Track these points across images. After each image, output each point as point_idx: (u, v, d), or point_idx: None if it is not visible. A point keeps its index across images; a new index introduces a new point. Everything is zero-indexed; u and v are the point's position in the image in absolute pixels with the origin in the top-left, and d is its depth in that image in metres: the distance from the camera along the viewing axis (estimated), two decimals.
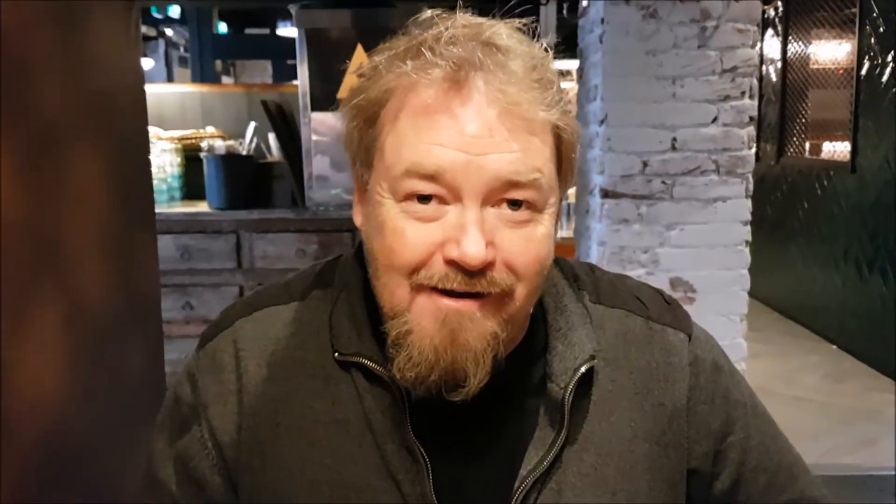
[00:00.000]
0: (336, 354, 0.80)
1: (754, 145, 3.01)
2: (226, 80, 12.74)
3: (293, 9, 3.82)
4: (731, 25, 2.90)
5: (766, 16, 5.73)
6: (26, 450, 1.26)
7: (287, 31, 10.17)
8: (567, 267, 0.89)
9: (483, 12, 0.76)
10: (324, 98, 3.76)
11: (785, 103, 5.72)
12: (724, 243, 3.00)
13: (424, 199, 0.71)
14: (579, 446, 0.79)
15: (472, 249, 0.69)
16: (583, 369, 0.79)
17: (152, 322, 1.83)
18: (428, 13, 0.75)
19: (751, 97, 2.95)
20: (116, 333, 1.61)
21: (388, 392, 0.78)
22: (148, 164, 1.84)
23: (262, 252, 3.77)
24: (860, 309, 4.64)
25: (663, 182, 2.95)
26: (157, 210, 1.95)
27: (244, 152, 4.03)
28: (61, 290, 1.39)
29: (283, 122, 3.96)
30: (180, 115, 4.58)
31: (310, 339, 0.82)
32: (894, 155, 4.23)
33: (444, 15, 0.75)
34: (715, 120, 2.94)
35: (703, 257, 2.99)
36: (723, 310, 3.02)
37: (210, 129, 4.41)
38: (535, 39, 0.76)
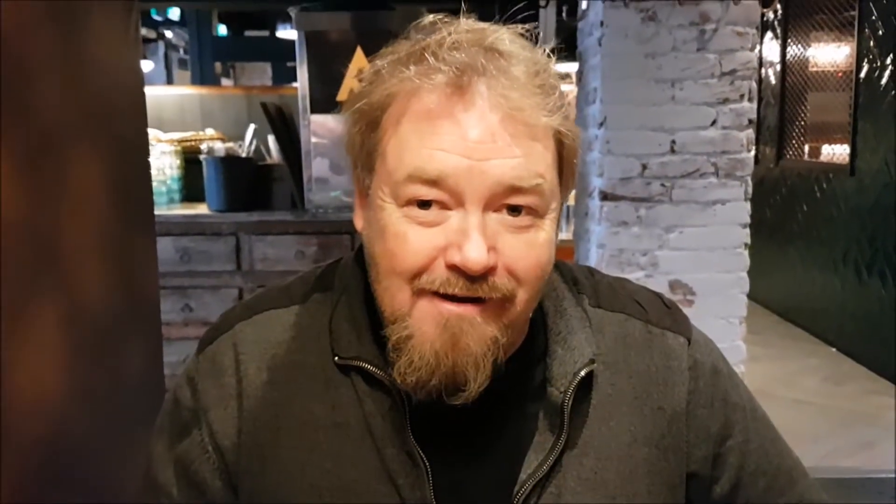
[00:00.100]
0: (336, 358, 0.80)
1: (753, 148, 3.01)
2: (225, 82, 12.74)
3: (293, 11, 3.82)
4: (730, 28, 2.90)
5: (765, 19, 5.74)
6: (26, 450, 1.26)
7: (287, 33, 10.18)
8: (566, 270, 0.89)
9: (483, 16, 0.77)
10: (323, 100, 3.76)
11: (784, 106, 5.73)
12: (723, 246, 3.00)
13: (425, 204, 0.71)
14: (579, 450, 0.79)
15: (474, 254, 0.69)
16: (582, 373, 0.79)
17: (152, 323, 1.83)
18: (430, 18, 0.76)
19: (750, 100, 2.95)
20: (116, 334, 1.61)
21: (389, 396, 0.78)
22: (147, 165, 1.84)
23: (262, 254, 3.77)
24: (859, 312, 4.64)
25: (662, 185, 2.96)
26: (156, 212, 1.95)
27: (244, 154, 4.03)
28: (61, 290, 1.39)
29: (283, 125, 3.96)
30: (180, 117, 4.58)
31: (310, 343, 0.82)
32: (893, 158, 4.23)
33: (447, 20, 0.75)
34: (714, 123, 2.94)
35: (703, 260, 2.99)
36: (722, 312, 3.02)
37: (209, 132, 4.41)
38: (538, 45, 0.76)
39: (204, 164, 3.92)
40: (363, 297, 0.82)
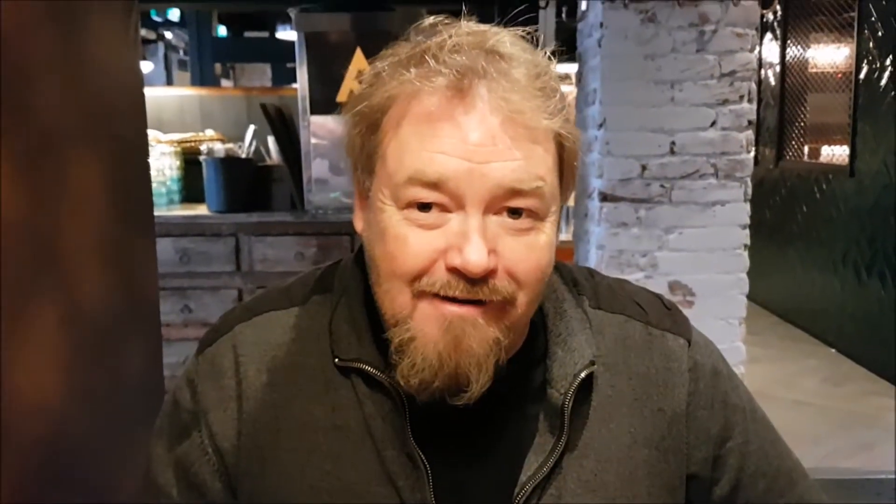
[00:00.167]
0: (336, 360, 0.80)
1: (753, 149, 3.02)
2: (225, 83, 12.75)
3: (293, 12, 3.82)
4: (729, 29, 2.90)
5: (764, 20, 5.74)
6: (26, 450, 1.26)
7: (286, 34, 10.18)
8: (566, 272, 0.89)
9: (483, 17, 0.76)
10: (323, 101, 3.76)
11: (783, 107, 5.73)
12: (722, 247, 3.01)
13: (426, 206, 0.71)
14: (579, 452, 0.79)
15: (475, 257, 0.69)
16: (582, 375, 0.79)
17: (151, 324, 1.83)
18: (430, 20, 0.76)
19: (749, 101, 2.95)
20: (115, 335, 1.61)
21: (389, 398, 0.78)
22: (147, 166, 1.84)
23: (261, 255, 3.77)
24: (859, 312, 4.64)
25: (662, 186, 2.96)
26: (156, 213, 1.95)
27: (243, 155, 4.03)
28: (60, 291, 1.39)
29: (283, 126, 3.96)
30: (179, 118, 4.58)
31: (310, 345, 0.82)
32: (893, 159, 4.24)
33: (447, 21, 0.75)
34: (713, 124, 2.95)
35: (702, 261, 2.99)
36: (721, 313, 3.02)
37: (209, 133, 4.41)
38: (539, 47, 0.76)
39: (203, 164, 3.92)
40: (363, 298, 0.82)
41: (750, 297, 3.09)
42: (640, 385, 0.83)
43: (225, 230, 3.75)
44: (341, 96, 3.68)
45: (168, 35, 11.21)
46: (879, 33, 4.39)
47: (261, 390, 0.81)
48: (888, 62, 4.28)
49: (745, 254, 3.03)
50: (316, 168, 3.87)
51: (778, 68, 5.76)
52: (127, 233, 1.69)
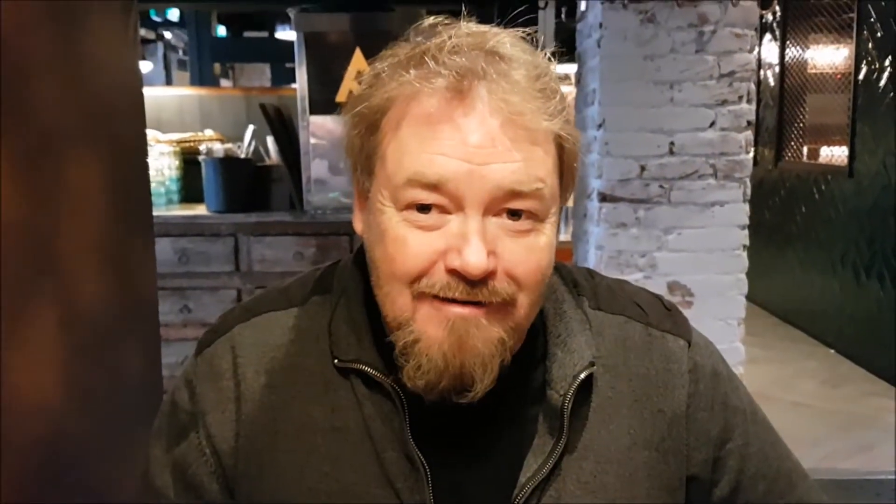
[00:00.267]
0: (335, 361, 0.80)
1: (752, 150, 3.02)
2: (224, 83, 12.74)
3: (292, 12, 3.82)
4: (728, 30, 2.90)
5: (763, 20, 5.74)
6: (25, 451, 1.26)
7: (286, 34, 10.18)
8: (566, 273, 0.89)
9: (482, 17, 0.76)
10: (322, 102, 3.76)
11: (783, 108, 5.73)
12: (721, 247, 3.01)
13: (425, 208, 0.71)
14: (579, 454, 0.79)
15: (474, 259, 0.69)
16: (582, 376, 0.79)
17: (150, 324, 1.83)
18: (430, 20, 0.75)
19: (748, 101, 2.95)
20: (114, 335, 1.61)
21: (388, 399, 0.77)
22: (146, 166, 1.84)
23: (260, 255, 3.77)
24: (858, 313, 4.65)
25: (661, 186, 2.96)
26: (154, 213, 1.95)
27: (242, 155, 4.02)
28: (59, 292, 1.39)
29: (282, 126, 3.96)
30: (179, 118, 4.57)
31: (309, 346, 0.82)
32: (892, 160, 4.24)
33: (447, 22, 0.75)
34: (713, 124, 2.95)
35: (701, 261, 2.99)
36: (720, 314, 3.02)
37: (208, 133, 4.41)
38: (539, 48, 0.76)
39: (203, 164, 3.92)
40: (363, 299, 0.82)
41: (749, 297, 3.09)
42: (639, 386, 0.83)
43: (224, 230, 3.75)
44: (340, 97, 3.68)
45: (167, 35, 11.21)
46: (879, 34, 4.39)
47: (259, 392, 0.81)
48: (887, 63, 4.28)
49: (744, 254, 3.03)
50: (315, 168, 3.87)
51: (777, 69, 5.76)
52: (126, 233, 1.68)
